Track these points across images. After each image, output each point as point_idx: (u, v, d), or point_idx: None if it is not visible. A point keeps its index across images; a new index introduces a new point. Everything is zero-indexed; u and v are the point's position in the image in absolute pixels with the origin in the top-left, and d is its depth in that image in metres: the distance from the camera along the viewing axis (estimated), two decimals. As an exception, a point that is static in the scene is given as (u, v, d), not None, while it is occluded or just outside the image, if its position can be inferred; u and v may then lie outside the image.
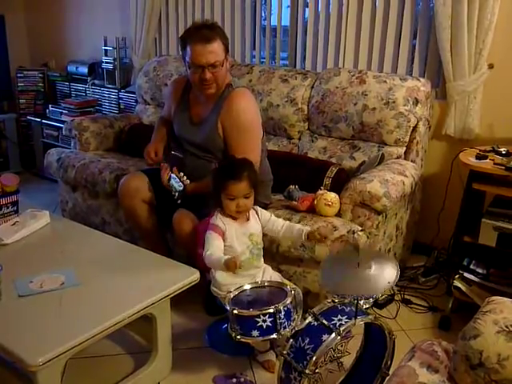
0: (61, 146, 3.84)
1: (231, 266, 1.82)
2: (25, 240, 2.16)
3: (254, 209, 2.09)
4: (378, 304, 2.51)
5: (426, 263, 2.90)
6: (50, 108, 4.24)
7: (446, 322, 2.40)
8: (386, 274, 1.62)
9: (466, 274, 2.41)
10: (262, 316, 1.65)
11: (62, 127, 3.87)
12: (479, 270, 2.41)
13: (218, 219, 1.98)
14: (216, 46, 2.23)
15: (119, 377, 1.96)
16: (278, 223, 2.10)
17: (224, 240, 1.97)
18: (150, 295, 1.78)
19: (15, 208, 2.30)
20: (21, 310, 1.68)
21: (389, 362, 1.82)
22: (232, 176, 1.95)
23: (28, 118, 4.40)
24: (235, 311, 1.68)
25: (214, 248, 1.92)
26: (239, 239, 1.99)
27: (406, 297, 2.65)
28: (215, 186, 1.99)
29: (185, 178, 2.27)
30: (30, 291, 1.76)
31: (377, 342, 1.85)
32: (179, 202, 2.26)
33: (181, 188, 2.25)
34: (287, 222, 2.12)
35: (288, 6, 3.36)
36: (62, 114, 4.11)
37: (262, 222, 2.08)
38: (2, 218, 2.25)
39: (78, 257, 2.06)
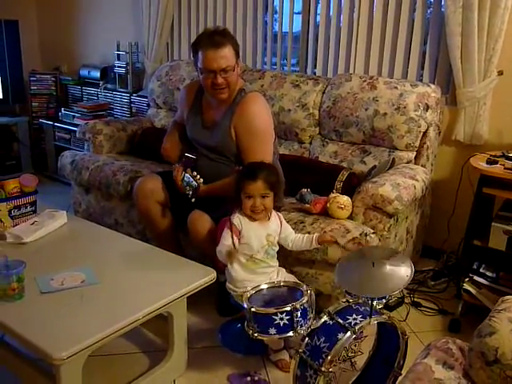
0: (72, 149, 3.89)
1: (229, 256, 1.99)
2: (44, 239, 2.20)
3: (278, 215, 2.15)
4: (389, 306, 2.53)
5: (436, 267, 2.93)
6: (63, 111, 4.30)
7: (456, 324, 2.43)
8: (401, 273, 1.65)
9: (475, 278, 2.44)
10: (279, 314, 1.69)
11: (73, 130, 3.94)
12: (489, 274, 2.44)
13: (236, 217, 2.05)
14: (227, 51, 2.28)
15: (135, 375, 2.00)
16: (291, 237, 2.16)
17: (240, 238, 2.03)
18: (168, 294, 1.82)
19: (33, 208, 2.35)
20: (43, 306, 1.71)
21: (401, 362, 1.85)
22: (248, 176, 2.03)
23: (40, 121, 4.47)
24: (253, 309, 1.71)
25: (225, 245, 2.01)
26: (256, 238, 2.05)
27: (415, 300, 2.68)
28: (237, 186, 2.06)
29: (198, 176, 2.31)
30: (52, 288, 1.80)
31: (389, 343, 1.88)
32: (193, 200, 2.30)
33: (195, 186, 2.29)
34: (297, 235, 2.17)
35: (299, 12, 3.42)
36: (74, 117, 4.17)
37: (282, 229, 2.14)
38: (21, 217, 2.29)
39: (97, 256, 2.10)
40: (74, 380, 1.61)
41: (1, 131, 4.39)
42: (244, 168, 2.17)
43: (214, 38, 2.27)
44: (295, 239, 2.15)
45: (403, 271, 1.64)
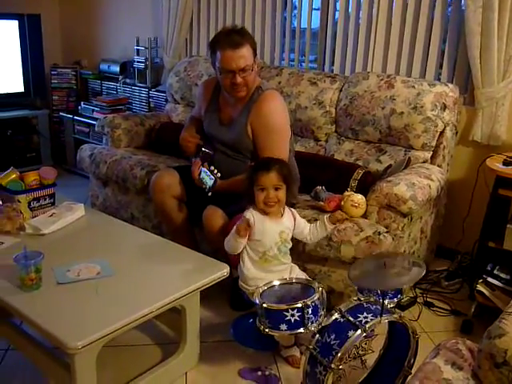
0: (91, 142, 3.95)
1: (241, 228, 1.97)
2: (61, 231, 2.25)
3: (291, 211, 2.15)
4: (401, 305, 2.53)
5: (450, 267, 2.92)
6: (82, 105, 4.36)
7: (468, 325, 2.42)
8: (412, 272, 1.67)
9: (489, 279, 2.43)
10: (290, 310, 1.71)
11: (93, 124, 3.99)
12: (503, 275, 2.42)
13: (249, 213, 2.06)
14: (245, 51, 2.29)
15: (147, 366, 2.04)
16: (307, 229, 2.16)
17: (252, 234, 2.04)
18: (182, 287, 1.85)
19: (52, 200, 2.39)
20: (60, 296, 1.76)
21: (412, 361, 1.86)
22: (262, 167, 2.05)
23: (60, 114, 4.54)
24: (265, 305, 1.73)
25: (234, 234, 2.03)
26: (269, 235, 2.05)
27: (428, 300, 2.68)
28: (249, 181, 2.06)
29: (216, 171, 2.34)
30: (69, 279, 1.84)
31: (400, 342, 1.89)
32: (210, 194, 2.33)
33: (212, 181, 2.32)
34: (311, 225, 2.17)
35: (318, 9, 3.41)
36: (93, 111, 4.23)
37: (295, 224, 2.13)
38: (40, 209, 2.33)
39: (112, 248, 2.14)
40: (88, 369, 1.65)
41: (21, 124, 4.46)
42: (256, 162, 2.18)
43: (232, 38, 2.28)
44: (311, 230, 2.15)
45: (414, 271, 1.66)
